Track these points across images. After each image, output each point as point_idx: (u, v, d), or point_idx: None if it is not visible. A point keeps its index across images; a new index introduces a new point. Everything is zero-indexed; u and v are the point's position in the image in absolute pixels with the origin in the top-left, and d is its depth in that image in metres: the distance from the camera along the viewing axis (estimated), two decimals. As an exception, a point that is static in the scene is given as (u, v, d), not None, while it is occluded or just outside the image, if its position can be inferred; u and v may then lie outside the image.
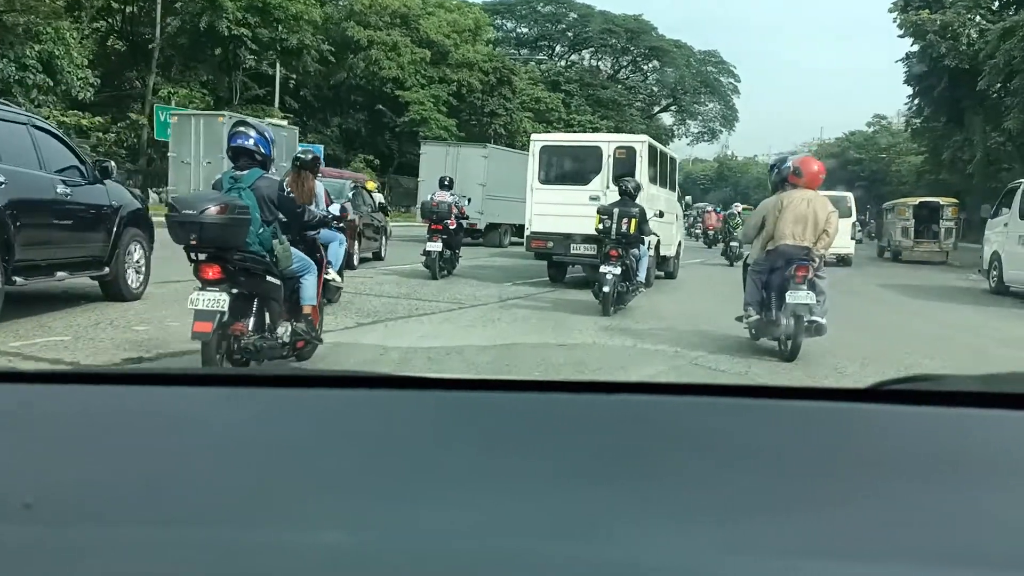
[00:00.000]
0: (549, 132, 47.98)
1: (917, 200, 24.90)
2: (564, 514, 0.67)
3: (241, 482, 0.73)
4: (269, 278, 4.58)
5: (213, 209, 4.16)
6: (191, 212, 4.15)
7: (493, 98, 37.75)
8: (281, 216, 4.73)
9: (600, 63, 61.92)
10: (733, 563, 0.62)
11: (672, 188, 13.56)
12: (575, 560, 0.62)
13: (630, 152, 11.01)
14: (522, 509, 0.68)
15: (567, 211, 10.82)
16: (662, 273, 12.98)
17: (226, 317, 4.26)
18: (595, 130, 51.34)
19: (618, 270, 8.38)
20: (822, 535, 0.65)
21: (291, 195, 4.89)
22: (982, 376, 1.01)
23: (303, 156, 7.70)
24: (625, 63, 61.99)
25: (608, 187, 10.69)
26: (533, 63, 54.79)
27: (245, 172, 4.62)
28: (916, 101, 39.07)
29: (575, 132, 49.91)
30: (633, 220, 8.66)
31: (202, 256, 4.32)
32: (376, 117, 35.59)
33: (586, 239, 10.36)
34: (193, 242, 4.22)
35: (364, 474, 0.74)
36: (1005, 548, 0.64)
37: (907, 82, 37.60)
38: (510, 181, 18.24)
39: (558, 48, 61.66)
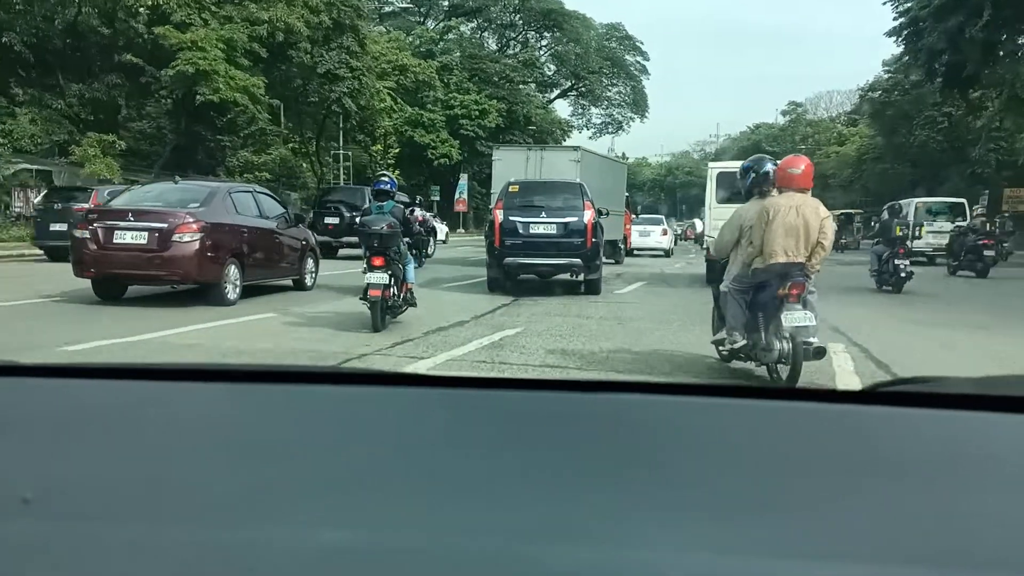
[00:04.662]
0: (423, 115, 38.89)
1: (840, 212, 37.79)
2: (564, 512, 0.68)
3: (242, 478, 0.73)
4: (400, 265, 8.07)
5: (386, 226, 7.75)
6: (377, 228, 7.70)
7: (331, 52, 25.18)
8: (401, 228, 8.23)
9: (483, 36, 50.83)
10: (729, 563, 0.62)
11: None
12: (574, 558, 0.62)
13: None
14: (521, 507, 0.69)
15: None
16: None
17: (387, 288, 7.65)
18: (482, 112, 41.45)
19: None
20: (818, 536, 0.66)
21: (414, 215, 9.73)
22: (977, 379, 1.03)
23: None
24: (513, 36, 51.17)
25: None
26: (397, 32, 42.48)
27: (384, 203, 8.09)
28: (905, 55, 29.88)
29: (455, 113, 40.80)
30: None
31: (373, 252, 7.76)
32: (132, 77, 22.30)
33: None
34: (375, 244, 7.66)
35: (366, 471, 0.74)
36: (999, 549, 0.65)
37: (899, 31, 28.03)
38: (604, 190, 15.93)
39: (431, 24, 50.44)
